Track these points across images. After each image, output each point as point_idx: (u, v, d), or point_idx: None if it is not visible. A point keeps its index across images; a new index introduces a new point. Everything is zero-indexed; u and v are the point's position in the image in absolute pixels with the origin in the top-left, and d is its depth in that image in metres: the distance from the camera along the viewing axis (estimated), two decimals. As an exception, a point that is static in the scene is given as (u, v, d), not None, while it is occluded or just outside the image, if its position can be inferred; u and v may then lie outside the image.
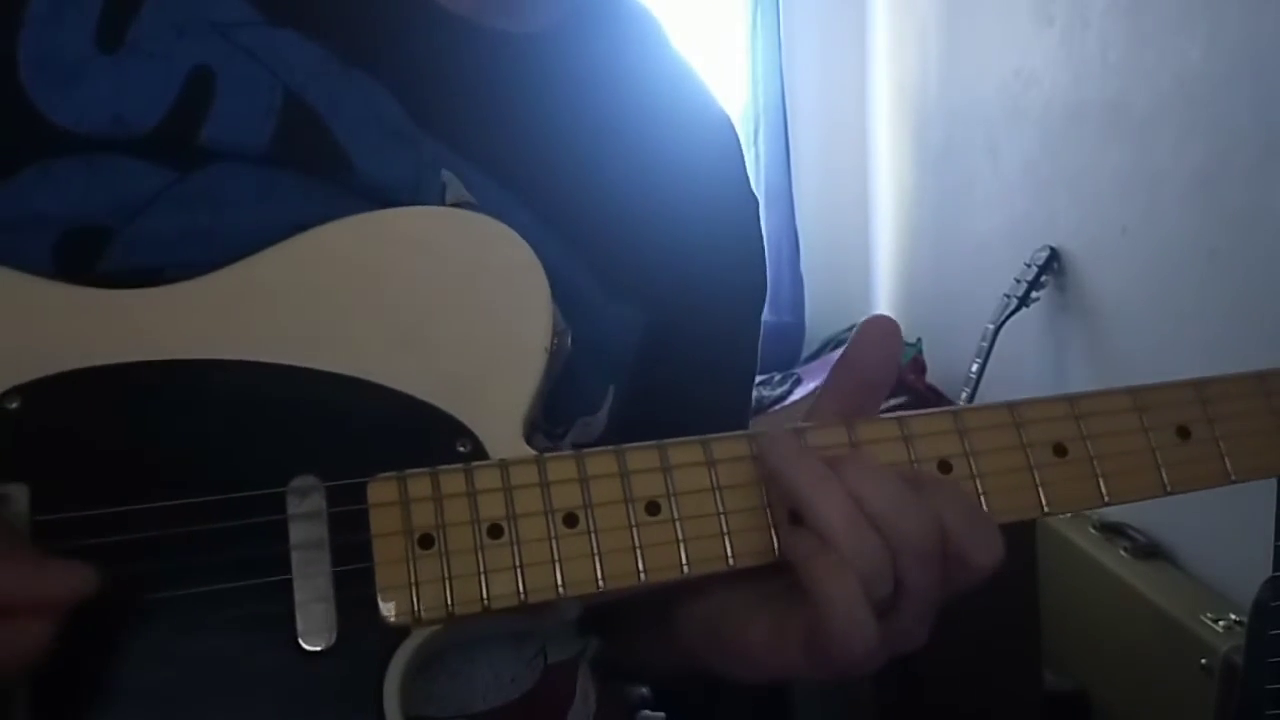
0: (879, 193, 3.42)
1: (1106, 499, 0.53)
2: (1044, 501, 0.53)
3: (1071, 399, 0.54)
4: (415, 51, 0.62)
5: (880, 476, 0.49)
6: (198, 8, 0.57)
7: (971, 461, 0.53)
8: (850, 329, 3.26)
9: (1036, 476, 0.53)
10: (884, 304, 3.38)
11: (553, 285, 0.56)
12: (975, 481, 0.52)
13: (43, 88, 0.55)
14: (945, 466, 0.53)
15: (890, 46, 3.28)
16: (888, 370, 0.54)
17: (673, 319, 0.69)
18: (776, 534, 0.51)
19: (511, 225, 0.56)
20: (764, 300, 0.80)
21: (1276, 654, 1.13)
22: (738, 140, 0.78)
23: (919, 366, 2.91)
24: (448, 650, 0.57)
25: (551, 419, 0.63)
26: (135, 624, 0.47)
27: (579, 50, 0.68)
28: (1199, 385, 0.56)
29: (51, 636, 0.44)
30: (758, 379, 2.80)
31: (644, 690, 0.81)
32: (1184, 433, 0.55)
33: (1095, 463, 0.54)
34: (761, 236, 0.79)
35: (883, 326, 0.54)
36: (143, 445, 0.50)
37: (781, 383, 2.97)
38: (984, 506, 0.52)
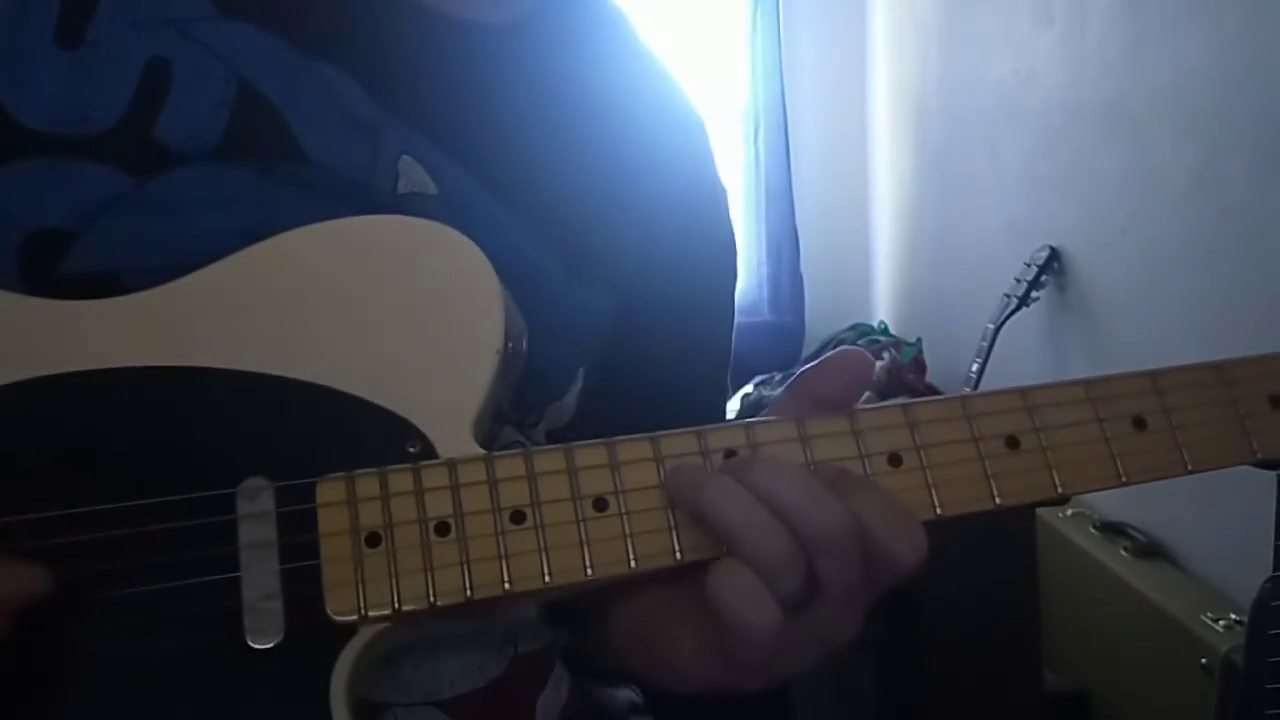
0: (879, 192, 3.42)
1: (1060, 489, 0.53)
2: (995, 493, 0.52)
3: (1024, 391, 0.54)
4: (381, 40, 0.62)
5: (786, 472, 0.49)
6: (154, 4, 0.58)
7: (921, 454, 0.52)
8: (851, 328, 3.27)
9: (988, 468, 0.52)
10: (884, 304, 3.38)
11: (517, 269, 0.56)
12: (925, 474, 0.52)
13: (7, 87, 0.55)
14: (895, 460, 0.52)
15: (890, 46, 3.28)
16: (843, 401, 0.53)
17: (642, 303, 0.69)
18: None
19: (476, 209, 0.56)
20: (734, 285, 0.80)
21: (1277, 654, 1.13)
22: (705, 131, 0.79)
23: (919, 366, 2.91)
24: (394, 650, 0.57)
25: (521, 409, 0.63)
26: (84, 623, 0.47)
27: (547, 41, 0.68)
28: (1154, 376, 0.55)
29: (3, 634, 0.44)
30: (758, 379, 2.80)
31: (634, 696, 0.81)
32: (1140, 423, 0.54)
33: (1048, 454, 0.53)
34: (730, 223, 0.79)
35: (851, 363, 0.53)
36: (95, 451, 0.50)
37: (781, 382, 2.96)
38: (934, 499, 0.52)
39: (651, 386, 0.70)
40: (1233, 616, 1.59)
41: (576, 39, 0.71)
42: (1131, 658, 1.76)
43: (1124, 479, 0.53)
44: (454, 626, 0.59)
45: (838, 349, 0.53)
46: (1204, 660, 1.56)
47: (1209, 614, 1.62)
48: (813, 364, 0.53)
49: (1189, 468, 0.54)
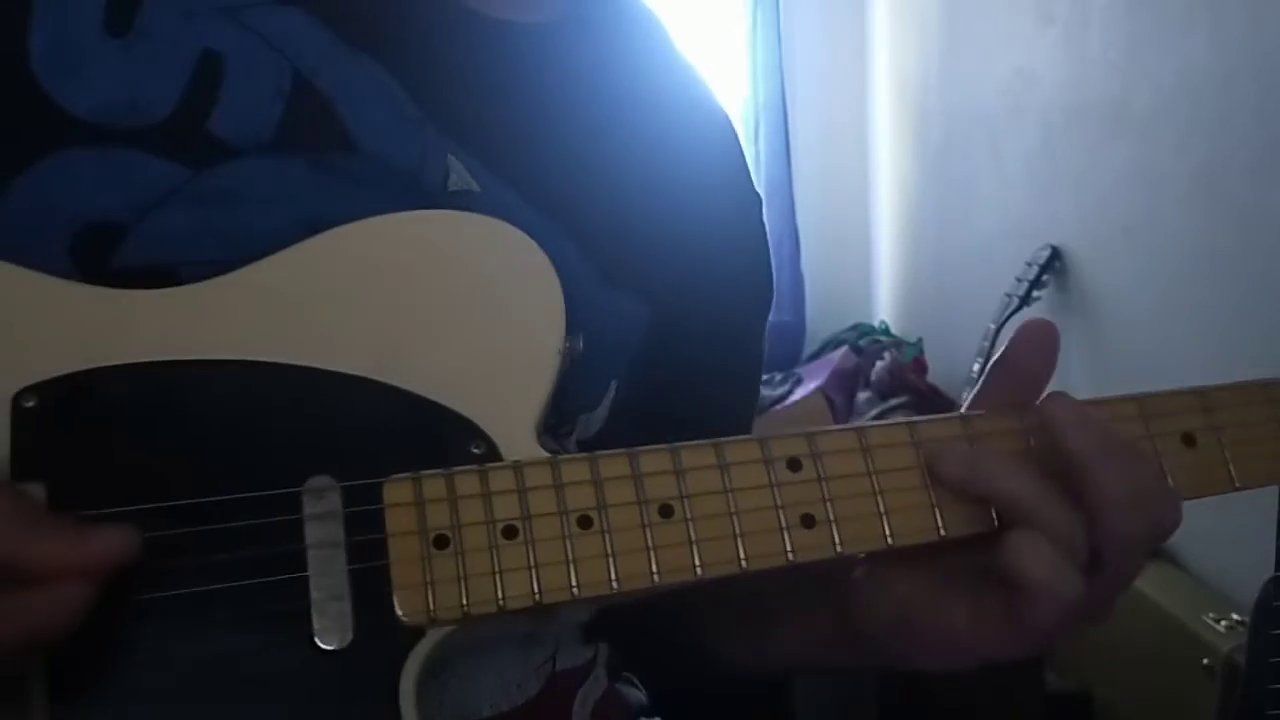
0: (879, 191, 3.42)
1: None
2: None
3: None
4: (418, 37, 0.62)
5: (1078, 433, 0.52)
6: None
7: None
8: (851, 328, 3.27)
9: None
10: (885, 303, 3.38)
11: None
12: None
13: (54, 76, 0.55)
14: None
15: (891, 45, 3.28)
16: (1041, 373, 0.56)
17: (677, 313, 0.69)
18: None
19: (508, 215, 0.56)
20: (769, 297, 0.79)
21: (1278, 654, 1.14)
22: (738, 139, 0.78)
23: (920, 366, 2.91)
24: (458, 654, 0.57)
25: (557, 415, 0.63)
26: (151, 622, 0.47)
27: (581, 43, 0.68)
28: (1202, 394, 0.57)
29: (90, 601, 0.44)
30: (758, 379, 2.74)
31: (641, 698, 0.81)
32: (1189, 440, 0.56)
33: None
34: (765, 234, 0.79)
35: (1040, 331, 0.56)
36: (158, 445, 0.50)
37: (782, 382, 2.96)
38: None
39: (682, 399, 0.69)
40: (1234, 617, 1.59)
41: (611, 42, 0.70)
42: (1133, 658, 1.77)
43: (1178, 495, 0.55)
44: (513, 625, 0.59)
45: (1025, 322, 0.55)
46: (1206, 661, 1.56)
47: (1211, 614, 1.62)
48: (1004, 350, 0.56)
49: (1237, 485, 0.57)
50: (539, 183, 0.63)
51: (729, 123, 0.78)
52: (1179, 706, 1.65)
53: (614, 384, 0.66)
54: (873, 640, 0.57)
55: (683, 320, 0.69)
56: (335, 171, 0.58)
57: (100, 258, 0.54)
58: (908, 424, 0.54)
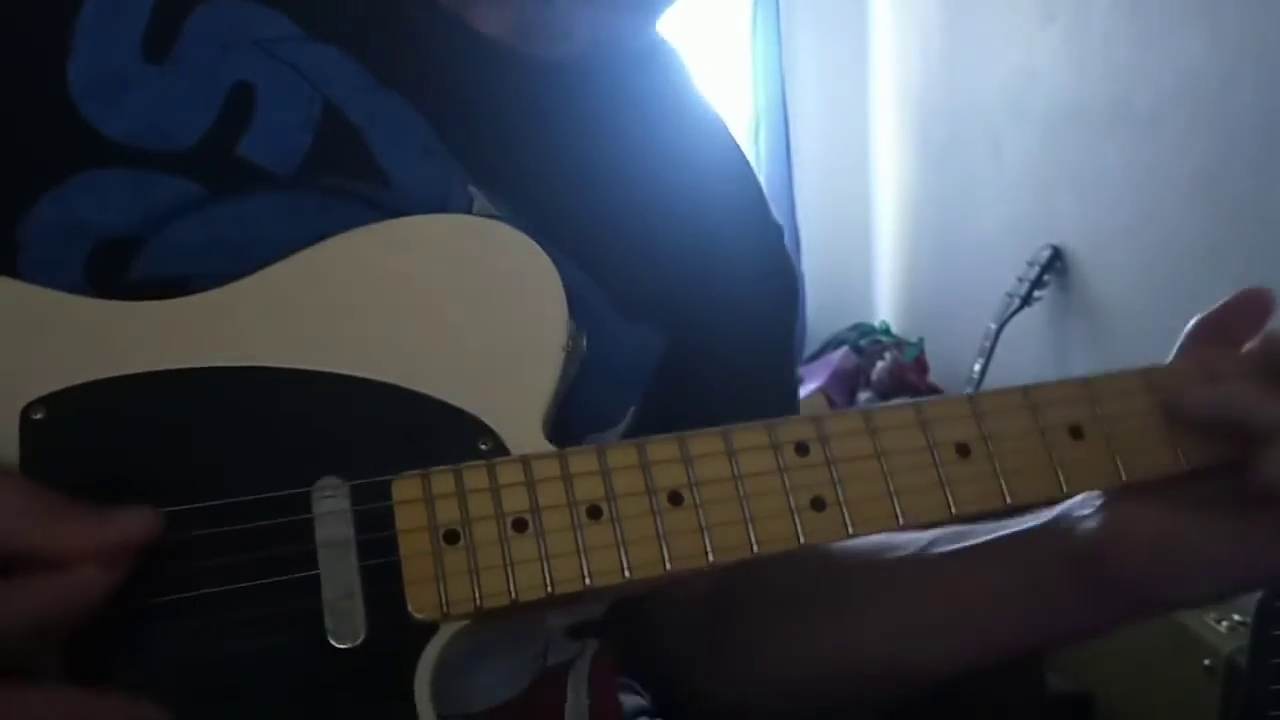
0: (880, 191, 3.43)
1: (1124, 477, 0.56)
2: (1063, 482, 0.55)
3: (1087, 381, 0.57)
4: (443, 73, 0.63)
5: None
6: (242, 25, 0.58)
7: (989, 444, 0.55)
8: (852, 328, 3.27)
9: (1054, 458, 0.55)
10: (886, 303, 3.38)
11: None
12: (993, 462, 0.55)
13: (91, 99, 0.56)
14: (963, 449, 0.55)
15: (891, 44, 3.29)
16: (1247, 336, 0.58)
17: (696, 343, 0.70)
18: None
19: None
20: (794, 324, 0.80)
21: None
22: (753, 170, 0.79)
23: (921, 366, 2.92)
24: (472, 650, 0.57)
25: (561, 435, 0.63)
26: (164, 625, 0.47)
27: (602, 78, 0.69)
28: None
29: (111, 587, 0.44)
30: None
31: (642, 702, 0.81)
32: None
33: (1110, 441, 0.56)
34: (789, 260, 0.79)
35: (1256, 299, 0.58)
36: (167, 453, 0.50)
37: (783, 382, 2.96)
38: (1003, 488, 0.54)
39: (702, 422, 0.71)
40: (1235, 618, 1.59)
41: (631, 76, 0.71)
42: (1134, 659, 1.76)
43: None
44: (528, 619, 0.59)
45: (1239, 291, 0.58)
46: (1207, 662, 1.56)
47: (1212, 615, 1.61)
48: (1213, 309, 0.59)
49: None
50: (555, 217, 0.63)
51: (743, 154, 0.79)
52: (1180, 708, 1.65)
53: (632, 411, 0.67)
54: (1124, 585, 0.58)
55: (701, 349, 0.70)
56: (361, 200, 0.58)
57: (115, 273, 0.55)
58: (914, 405, 0.55)
